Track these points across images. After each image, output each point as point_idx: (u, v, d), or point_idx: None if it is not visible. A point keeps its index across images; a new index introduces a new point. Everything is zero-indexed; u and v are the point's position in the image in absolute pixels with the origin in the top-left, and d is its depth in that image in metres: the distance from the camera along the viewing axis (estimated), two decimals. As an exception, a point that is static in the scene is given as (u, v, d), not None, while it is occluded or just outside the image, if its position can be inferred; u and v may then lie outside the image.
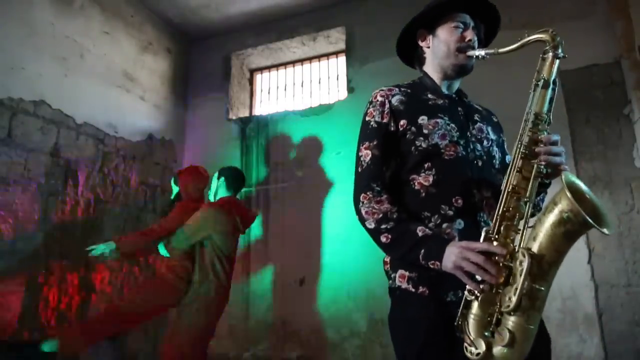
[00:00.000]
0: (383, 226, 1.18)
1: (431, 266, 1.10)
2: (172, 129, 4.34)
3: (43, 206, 3.03)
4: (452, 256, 1.06)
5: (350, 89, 3.88)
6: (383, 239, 1.18)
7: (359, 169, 1.28)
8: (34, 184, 3.00)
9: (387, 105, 1.30)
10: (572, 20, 3.21)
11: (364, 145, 1.28)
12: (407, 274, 1.19)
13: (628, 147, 2.96)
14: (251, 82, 4.71)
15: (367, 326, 3.35)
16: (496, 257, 1.04)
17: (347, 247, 3.51)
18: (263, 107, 4.58)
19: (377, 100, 1.32)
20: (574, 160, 3.05)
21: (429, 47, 1.38)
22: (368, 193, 1.22)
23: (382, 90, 1.35)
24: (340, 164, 3.73)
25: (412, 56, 1.47)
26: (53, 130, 3.18)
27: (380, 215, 1.19)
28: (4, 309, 2.72)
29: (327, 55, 4.38)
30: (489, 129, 1.35)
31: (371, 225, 1.20)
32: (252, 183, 4.04)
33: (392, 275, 1.23)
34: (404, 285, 1.19)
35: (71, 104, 3.33)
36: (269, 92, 4.60)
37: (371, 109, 1.32)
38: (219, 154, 4.16)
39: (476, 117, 1.35)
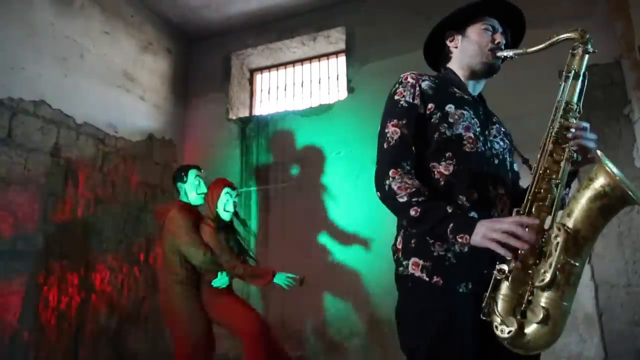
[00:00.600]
0: (414, 199, 1.15)
1: (459, 240, 1.08)
2: (172, 129, 4.34)
3: (43, 206, 3.03)
4: (482, 229, 1.04)
5: (350, 89, 3.88)
6: (412, 212, 1.14)
7: (386, 145, 1.24)
8: (34, 184, 3.00)
9: (418, 88, 1.31)
10: (572, 20, 3.21)
11: (392, 122, 1.26)
12: (421, 262, 1.18)
13: (628, 147, 2.95)
14: (251, 82, 4.71)
15: (367, 326, 3.35)
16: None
17: (347, 247, 3.51)
18: (263, 107, 4.58)
19: (408, 82, 1.32)
20: (574, 160, 3.04)
21: (456, 47, 1.41)
22: (399, 169, 1.19)
23: (413, 73, 1.35)
24: (340, 163, 3.73)
25: (435, 57, 1.49)
26: (53, 130, 3.18)
27: (414, 190, 1.16)
28: (3, 309, 2.72)
29: (327, 55, 4.38)
30: (503, 132, 1.39)
31: (403, 198, 1.16)
32: (252, 183, 4.04)
33: (404, 263, 1.21)
34: (417, 273, 1.18)
35: (71, 104, 3.33)
36: (269, 92, 4.60)
37: (401, 89, 1.31)
38: (219, 154, 4.16)
39: (494, 119, 1.40)
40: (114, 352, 3.42)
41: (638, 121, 2.86)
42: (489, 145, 1.29)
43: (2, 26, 2.92)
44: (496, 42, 1.34)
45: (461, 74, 1.40)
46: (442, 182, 1.23)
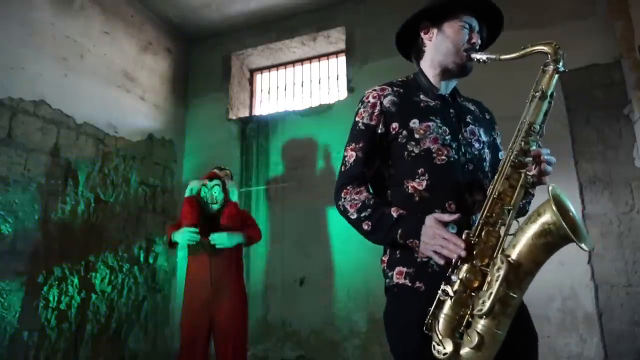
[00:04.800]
0: (363, 214, 1.23)
1: (409, 244, 1.15)
2: (172, 129, 4.34)
3: (43, 206, 3.03)
4: (424, 238, 1.12)
5: (350, 89, 3.88)
6: (365, 227, 1.23)
7: (342, 168, 1.34)
8: (34, 184, 3.00)
9: (379, 107, 1.31)
10: (572, 20, 3.21)
11: (350, 147, 1.33)
12: (404, 269, 1.20)
13: (628, 147, 2.95)
14: (251, 82, 4.72)
15: (367, 326, 3.35)
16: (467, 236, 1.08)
17: (347, 247, 3.51)
18: (263, 107, 4.59)
19: (369, 101, 1.33)
20: (574, 160, 3.04)
21: (430, 41, 1.37)
22: (348, 188, 1.29)
23: (375, 90, 1.34)
24: (340, 163, 3.72)
25: (409, 47, 1.46)
26: (53, 130, 3.18)
27: (360, 204, 1.24)
28: (3, 309, 2.72)
29: (327, 55, 4.38)
30: (481, 130, 1.35)
31: (353, 215, 1.25)
32: (252, 183, 4.04)
33: (390, 274, 1.23)
34: (401, 281, 1.19)
35: (71, 104, 3.33)
36: (269, 92, 4.60)
37: (362, 110, 1.33)
38: (219, 154, 4.16)
39: (468, 119, 1.34)
40: (114, 352, 3.43)
41: (638, 121, 2.86)
42: (462, 150, 1.26)
43: (2, 26, 2.93)
44: (472, 42, 1.30)
45: (432, 73, 1.37)
46: (417, 198, 1.23)
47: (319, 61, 4.43)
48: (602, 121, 3.04)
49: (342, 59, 4.19)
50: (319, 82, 4.36)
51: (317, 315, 3.52)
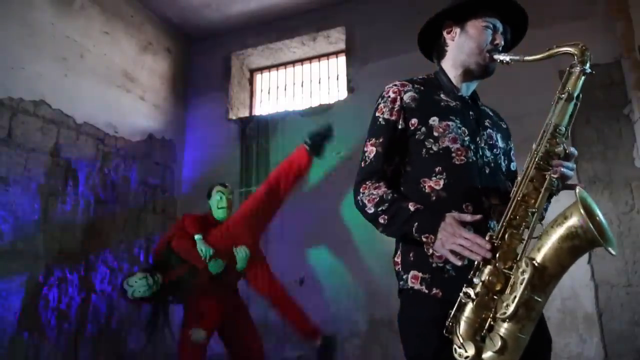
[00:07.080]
0: (380, 208, 1.20)
1: (424, 239, 1.12)
2: (172, 129, 4.34)
3: (43, 206, 3.03)
4: (442, 236, 1.08)
5: (350, 89, 3.88)
6: (381, 220, 1.20)
7: (363, 164, 1.30)
8: (34, 184, 3.00)
9: (399, 102, 1.29)
10: (572, 20, 3.21)
11: (370, 142, 1.30)
12: (420, 274, 1.18)
13: (628, 147, 2.95)
14: (251, 82, 4.71)
15: (367, 326, 3.35)
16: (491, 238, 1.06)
17: (347, 247, 3.51)
18: (263, 107, 4.59)
19: (389, 96, 1.31)
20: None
21: (453, 40, 1.36)
22: (367, 183, 1.26)
23: (395, 85, 1.33)
24: (340, 164, 3.72)
25: (431, 46, 1.44)
26: (53, 130, 3.18)
27: (377, 199, 1.21)
28: (4, 309, 2.72)
29: (327, 55, 4.38)
30: (498, 136, 1.34)
31: (370, 210, 1.22)
32: (252, 183, 4.04)
33: (404, 277, 1.21)
34: (417, 286, 1.17)
35: (71, 104, 3.33)
36: (269, 92, 4.60)
37: (382, 105, 1.31)
38: (219, 154, 4.16)
39: (487, 123, 1.34)
40: (114, 352, 3.43)
41: (638, 121, 2.86)
42: (480, 153, 1.25)
43: (2, 26, 2.93)
44: (495, 43, 1.29)
45: (453, 73, 1.36)
46: (434, 197, 1.21)
47: (319, 61, 4.43)
48: (602, 121, 3.04)
49: (342, 59, 4.19)
50: (319, 82, 4.36)
51: (317, 315, 3.51)
